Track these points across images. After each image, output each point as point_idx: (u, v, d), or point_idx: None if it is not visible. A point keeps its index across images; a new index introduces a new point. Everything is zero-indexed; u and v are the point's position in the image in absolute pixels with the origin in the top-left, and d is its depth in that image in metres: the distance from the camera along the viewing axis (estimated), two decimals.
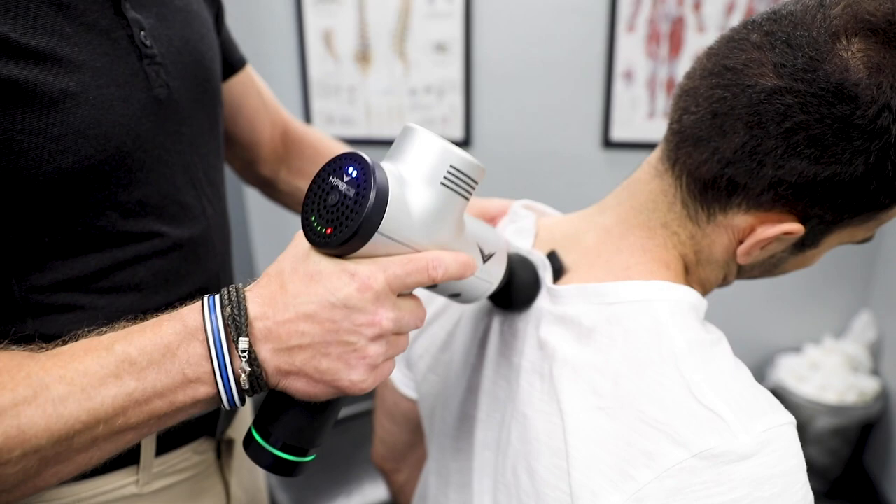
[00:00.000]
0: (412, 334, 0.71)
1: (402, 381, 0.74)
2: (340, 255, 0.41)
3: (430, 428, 0.68)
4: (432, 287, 0.49)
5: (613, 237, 0.57)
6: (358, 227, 0.38)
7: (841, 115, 0.44)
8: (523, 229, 0.63)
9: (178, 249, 0.62)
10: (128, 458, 0.60)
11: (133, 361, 0.38)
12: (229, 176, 0.91)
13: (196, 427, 0.67)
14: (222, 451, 0.72)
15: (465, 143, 2.03)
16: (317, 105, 2.09)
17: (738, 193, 0.49)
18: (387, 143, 2.08)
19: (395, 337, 0.43)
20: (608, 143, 1.92)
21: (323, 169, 0.42)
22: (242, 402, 0.41)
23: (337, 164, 0.41)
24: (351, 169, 0.40)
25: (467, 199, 0.45)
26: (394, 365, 0.44)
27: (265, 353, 0.40)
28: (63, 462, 0.39)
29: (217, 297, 0.41)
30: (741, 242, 0.52)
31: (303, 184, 0.88)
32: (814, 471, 1.96)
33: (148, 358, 0.39)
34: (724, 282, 0.59)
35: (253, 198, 2.17)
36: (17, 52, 0.47)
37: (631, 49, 1.84)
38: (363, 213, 0.38)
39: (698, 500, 0.41)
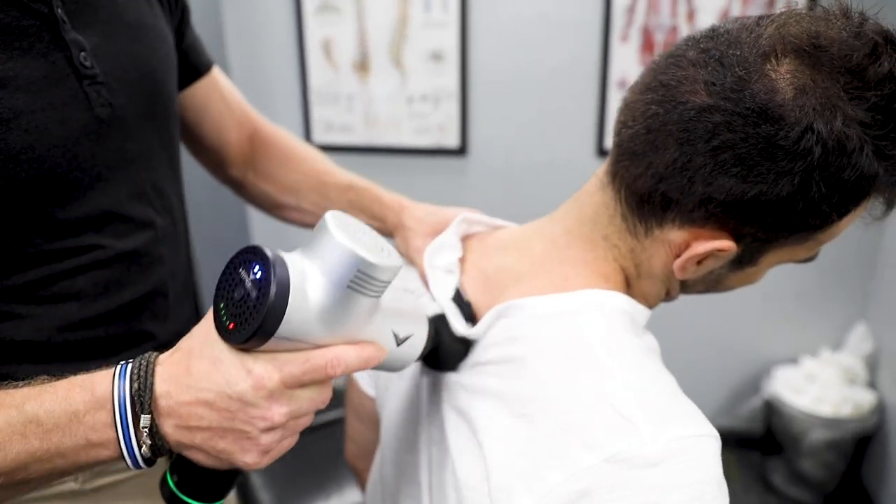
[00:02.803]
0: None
1: (365, 379, 0.76)
2: (244, 350, 0.42)
3: (383, 417, 0.70)
4: None
5: (558, 247, 0.58)
6: (254, 331, 0.40)
7: (765, 135, 0.44)
8: (448, 268, 0.63)
9: (121, 260, 0.63)
10: None
11: (40, 422, 0.42)
12: None
13: None
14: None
15: (461, 152, 2.04)
16: (316, 113, 2.12)
17: (672, 209, 0.50)
18: (384, 150, 2.10)
19: (294, 420, 0.45)
20: (603, 152, 1.92)
21: (236, 256, 0.43)
22: (148, 464, 0.44)
23: (246, 257, 0.42)
24: (257, 268, 0.41)
25: (378, 297, 0.45)
26: (295, 440, 0.47)
27: (168, 428, 0.43)
28: None
29: (129, 367, 0.43)
30: (678, 257, 0.53)
31: (268, 187, 0.88)
32: (808, 484, 1.94)
33: (54, 421, 0.42)
34: (668, 296, 0.59)
35: None
36: None
37: (625, 58, 1.85)
38: (260, 319, 0.39)
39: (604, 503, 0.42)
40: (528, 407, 0.48)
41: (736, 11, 1.75)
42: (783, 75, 0.45)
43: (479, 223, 0.67)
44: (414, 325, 0.52)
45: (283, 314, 0.40)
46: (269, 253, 0.41)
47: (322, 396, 0.46)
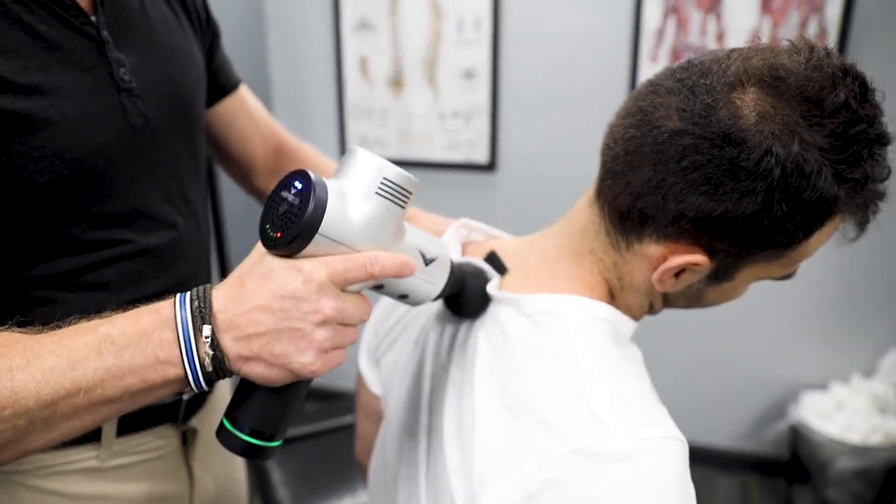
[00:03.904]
0: (382, 331, 0.77)
1: (372, 379, 0.80)
2: (290, 255, 0.46)
3: (387, 409, 0.74)
4: (379, 288, 0.54)
5: (549, 262, 0.61)
6: (301, 228, 0.44)
7: (729, 157, 0.48)
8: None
9: (145, 255, 0.70)
10: (90, 435, 0.67)
11: (113, 341, 0.45)
12: None
13: (158, 414, 0.74)
14: (188, 439, 0.79)
15: (490, 167, 2.08)
16: (352, 126, 2.20)
17: (649, 225, 0.53)
18: (416, 164, 2.16)
19: (342, 328, 0.48)
20: None
21: (277, 185, 0.48)
22: (208, 384, 0.47)
23: (287, 181, 0.47)
24: (297, 183, 0.46)
25: (403, 207, 0.50)
26: (344, 355, 0.50)
27: (227, 341, 0.46)
28: (48, 428, 0.44)
29: (188, 293, 0.48)
30: (657, 270, 0.56)
31: None
32: None
33: (127, 339, 0.45)
34: (651, 310, 0.62)
35: None
36: (9, 88, 0.56)
37: None
38: (304, 217, 0.44)
39: (571, 493, 0.45)
40: (513, 401, 0.52)
41: (766, 32, 1.75)
42: (747, 103, 0.48)
43: (478, 230, 0.71)
44: (438, 249, 0.57)
45: (324, 211, 0.45)
46: (307, 170, 0.46)
47: (364, 307, 0.49)
